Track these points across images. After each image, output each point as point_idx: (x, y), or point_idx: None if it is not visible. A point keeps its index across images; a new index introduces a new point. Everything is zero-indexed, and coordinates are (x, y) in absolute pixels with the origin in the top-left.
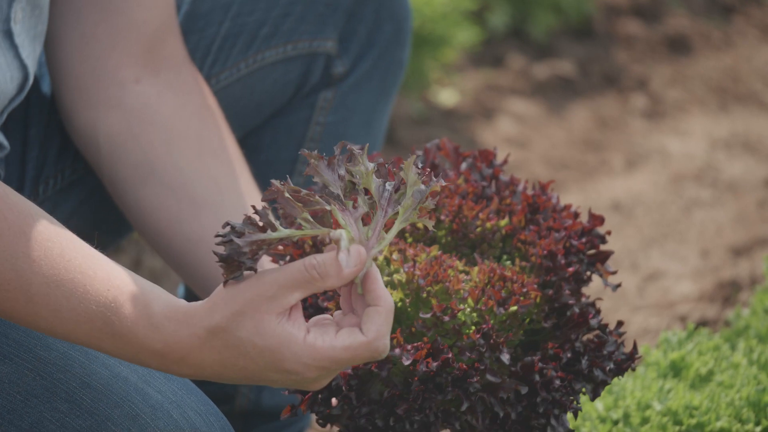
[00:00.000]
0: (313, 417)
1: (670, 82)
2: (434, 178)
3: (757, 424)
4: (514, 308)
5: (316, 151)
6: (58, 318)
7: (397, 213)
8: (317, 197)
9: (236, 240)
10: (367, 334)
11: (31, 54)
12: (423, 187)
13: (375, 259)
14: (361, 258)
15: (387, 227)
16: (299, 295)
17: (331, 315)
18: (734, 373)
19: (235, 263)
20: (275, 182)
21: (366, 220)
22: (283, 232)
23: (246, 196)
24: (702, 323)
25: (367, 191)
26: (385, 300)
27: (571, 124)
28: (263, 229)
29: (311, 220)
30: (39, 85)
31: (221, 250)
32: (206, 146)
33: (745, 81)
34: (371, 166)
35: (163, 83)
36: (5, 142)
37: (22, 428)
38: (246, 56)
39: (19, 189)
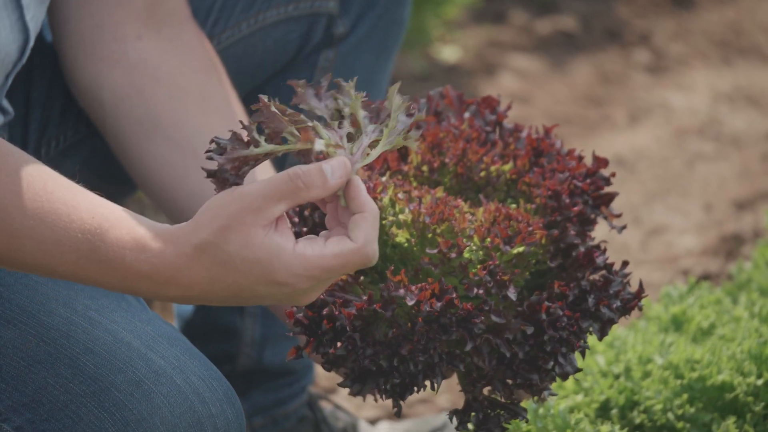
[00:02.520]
0: (317, 373)
1: (673, 36)
2: (417, 108)
3: (759, 377)
4: (520, 247)
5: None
6: (43, 250)
7: (382, 135)
8: (302, 116)
9: (218, 157)
10: (356, 240)
11: (35, 16)
12: (405, 117)
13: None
14: (346, 168)
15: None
16: (284, 206)
17: None
18: (736, 326)
19: (223, 179)
20: (263, 97)
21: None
22: (267, 147)
23: None
24: (705, 277)
25: (353, 119)
26: (370, 206)
27: (574, 80)
28: (247, 145)
29: (297, 134)
30: (41, 47)
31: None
32: (210, 102)
33: (748, 34)
34: (358, 94)
35: (165, 40)
36: (10, 108)
37: (26, 394)
38: (248, 16)
39: (23, 150)
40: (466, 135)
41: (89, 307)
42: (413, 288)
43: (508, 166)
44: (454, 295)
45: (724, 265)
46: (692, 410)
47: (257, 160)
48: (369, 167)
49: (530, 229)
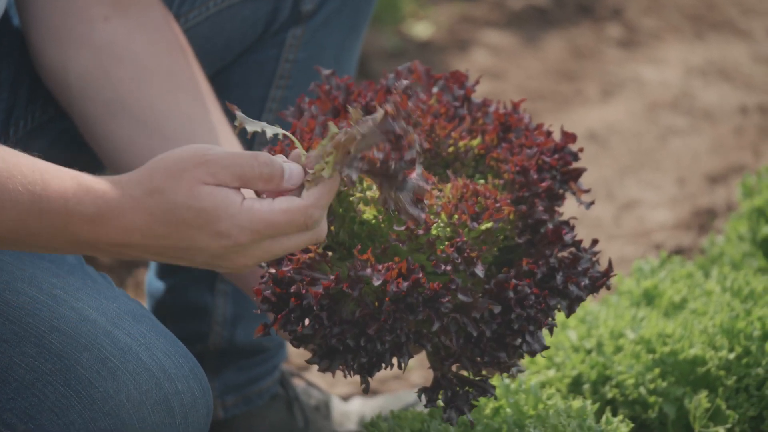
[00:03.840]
0: (289, 351)
1: (646, 10)
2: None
3: (731, 350)
4: (488, 223)
5: (283, 90)
6: None
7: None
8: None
9: None
10: (306, 199)
11: None
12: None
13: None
14: (300, 178)
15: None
16: (237, 184)
17: None
18: (707, 300)
19: None
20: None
21: None
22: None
23: (218, 129)
24: (678, 251)
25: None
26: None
27: (546, 55)
28: None
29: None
30: (9, 30)
31: None
32: (177, 82)
33: (721, 8)
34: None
35: (132, 21)
36: None
37: None
38: None
39: None
40: (434, 110)
41: (54, 285)
42: (380, 267)
43: (476, 141)
44: (421, 275)
45: (697, 239)
46: (664, 384)
47: None
48: None
49: (498, 205)
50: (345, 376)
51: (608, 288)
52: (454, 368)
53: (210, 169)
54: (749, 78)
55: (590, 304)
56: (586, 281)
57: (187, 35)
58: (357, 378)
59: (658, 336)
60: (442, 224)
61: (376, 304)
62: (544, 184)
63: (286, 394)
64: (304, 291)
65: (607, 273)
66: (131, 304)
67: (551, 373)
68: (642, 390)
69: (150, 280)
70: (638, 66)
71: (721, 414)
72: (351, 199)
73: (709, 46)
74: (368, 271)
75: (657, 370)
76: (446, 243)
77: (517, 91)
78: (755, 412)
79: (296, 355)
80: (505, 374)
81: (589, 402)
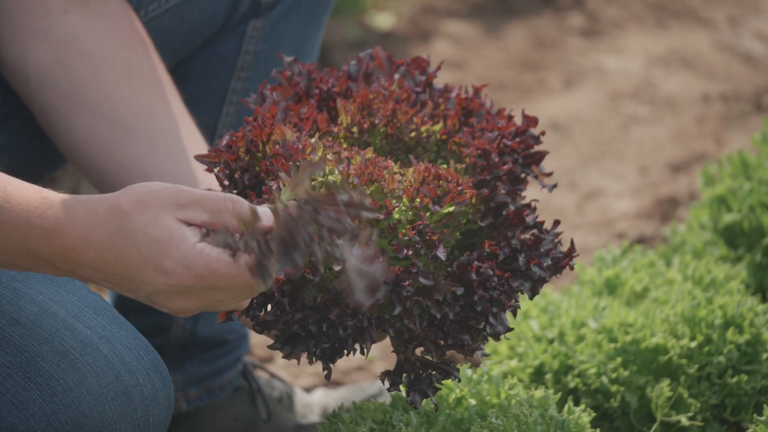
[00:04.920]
0: (252, 343)
1: None
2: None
3: (692, 339)
4: (450, 207)
5: (244, 82)
6: None
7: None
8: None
9: None
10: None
11: None
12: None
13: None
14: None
15: None
16: (206, 217)
17: None
18: (669, 289)
19: None
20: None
21: None
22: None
23: (179, 121)
24: (640, 240)
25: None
26: None
27: (508, 45)
28: None
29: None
30: None
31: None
32: (136, 74)
33: None
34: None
35: (91, 13)
36: None
37: None
38: None
39: None
40: (396, 96)
41: (14, 278)
42: None
43: (438, 126)
44: (381, 259)
45: (659, 228)
46: (626, 373)
47: None
48: (297, 129)
49: (460, 188)
50: (310, 363)
51: (571, 268)
52: (418, 352)
53: (179, 200)
54: (711, 66)
55: (552, 294)
56: (549, 262)
57: (147, 27)
58: (320, 370)
59: (619, 325)
60: (404, 208)
61: (338, 289)
62: (505, 167)
63: (249, 387)
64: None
65: (569, 254)
66: (92, 297)
67: (513, 363)
68: (604, 379)
69: None
70: (600, 55)
71: (683, 402)
72: (313, 183)
73: (671, 35)
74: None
75: (619, 360)
76: (407, 227)
77: (479, 81)
78: (717, 401)
79: (259, 347)
80: (467, 358)
81: (551, 392)
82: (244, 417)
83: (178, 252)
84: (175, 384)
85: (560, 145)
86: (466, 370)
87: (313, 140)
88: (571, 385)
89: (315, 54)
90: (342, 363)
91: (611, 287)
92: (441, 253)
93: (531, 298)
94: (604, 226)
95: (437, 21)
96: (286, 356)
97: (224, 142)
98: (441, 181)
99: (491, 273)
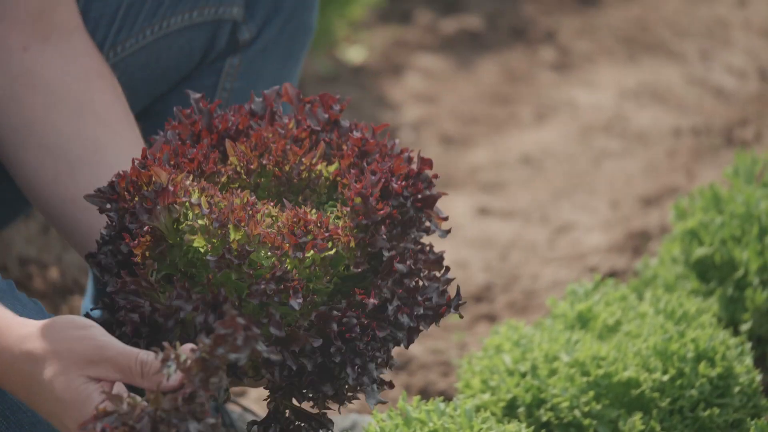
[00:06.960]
0: None
1: (579, 33)
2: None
3: (665, 372)
4: (310, 253)
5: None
6: None
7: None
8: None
9: None
10: None
11: None
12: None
13: None
14: (181, 381)
15: None
16: (119, 377)
17: None
18: (641, 322)
19: None
20: None
21: None
22: None
23: (127, 154)
24: (612, 274)
25: None
26: None
27: (480, 78)
28: None
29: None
30: None
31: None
32: (88, 108)
33: (653, 30)
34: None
35: (51, 50)
36: None
37: None
38: (152, 23)
39: None
40: (291, 135)
41: None
42: (192, 297)
43: (333, 167)
44: (228, 306)
45: (631, 261)
46: (599, 407)
47: None
48: (177, 167)
49: (327, 234)
50: None
51: (461, 317)
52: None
53: (93, 357)
54: (682, 100)
55: (525, 328)
56: (421, 311)
57: (123, 63)
58: None
59: (592, 359)
60: (263, 255)
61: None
62: (381, 212)
63: (222, 421)
64: (122, 317)
65: (450, 301)
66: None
67: (486, 396)
68: (577, 413)
69: (85, 306)
70: (572, 89)
71: None
72: (182, 227)
73: (642, 69)
74: (179, 302)
75: (591, 393)
76: (266, 274)
77: (450, 115)
78: None
79: None
80: (338, 406)
81: (524, 425)
82: None
83: (80, 415)
84: None
85: (532, 179)
86: (439, 404)
87: (188, 182)
88: (544, 418)
89: None
90: None
91: (583, 321)
92: (295, 303)
93: (406, 347)
94: (575, 260)
95: (409, 55)
96: None
97: (106, 183)
98: (309, 227)
99: (354, 323)
